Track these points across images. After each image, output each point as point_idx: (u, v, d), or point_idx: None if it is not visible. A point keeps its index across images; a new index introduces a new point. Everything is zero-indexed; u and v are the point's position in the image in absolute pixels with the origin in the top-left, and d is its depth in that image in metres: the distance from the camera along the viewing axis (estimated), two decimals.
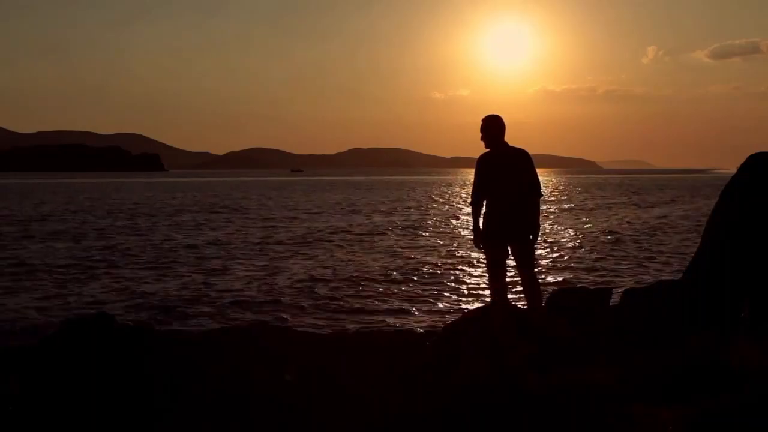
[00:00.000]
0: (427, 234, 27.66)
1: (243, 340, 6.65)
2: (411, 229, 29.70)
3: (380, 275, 16.64)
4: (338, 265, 18.41)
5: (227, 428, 4.76)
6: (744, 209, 7.02)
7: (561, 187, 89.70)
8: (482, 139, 6.55)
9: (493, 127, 6.49)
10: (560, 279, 16.30)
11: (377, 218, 36.51)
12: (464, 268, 18.01)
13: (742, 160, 7.42)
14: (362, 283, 15.53)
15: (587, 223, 32.75)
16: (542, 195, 6.56)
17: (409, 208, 46.77)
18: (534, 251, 6.64)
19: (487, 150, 6.57)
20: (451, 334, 7.27)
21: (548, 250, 21.87)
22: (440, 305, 12.98)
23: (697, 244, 7.81)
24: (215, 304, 13.17)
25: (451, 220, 35.42)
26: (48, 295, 14.27)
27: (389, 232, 28.28)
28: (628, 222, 33.21)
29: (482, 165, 6.56)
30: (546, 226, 29.90)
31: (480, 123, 6.60)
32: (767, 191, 6.96)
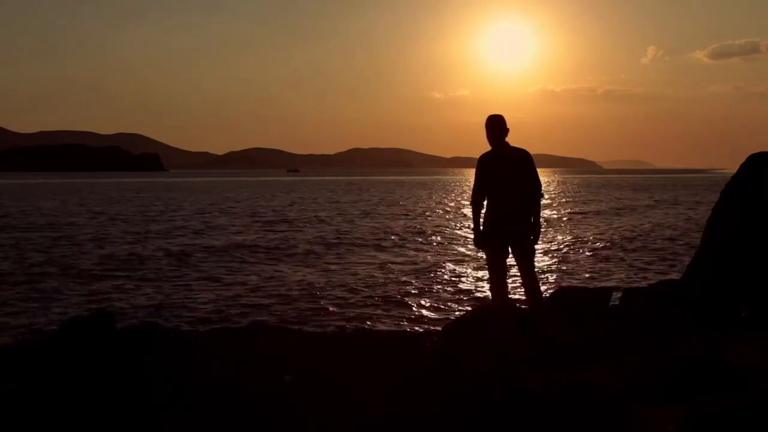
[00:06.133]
0: (426, 234, 27.66)
1: (243, 340, 6.65)
2: (410, 229, 29.72)
3: (379, 275, 16.64)
4: (337, 265, 18.42)
5: (227, 428, 4.76)
6: (744, 209, 7.03)
7: (561, 187, 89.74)
8: (487, 138, 6.58)
9: (494, 126, 6.50)
10: (560, 279, 16.30)
11: (375, 217, 36.54)
12: (464, 268, 18.01)
13: (742, 160, 7.43)
14: (361, 283, 15.53)
15: (587, 223, 32.76)
16: (543, 195, 6.57)
17: (407, 207, 46.80)
18: (534, 251, 6.64)
19: (488, 150, 6.58)
20: (451, 334, 7.28)
21: (548, 249, 21.88)
22: (440, 305, 12.98)
23: (698, 244, 7.82)
24: (215, 305, 13.17)
25: (451, 220, 35.44)
26: (47, 296, 14.28)
27: (387, 232, 28.29)
28: (628, 221, 33.23)
29: (482, 165, 6.56)
30: (546, 226, 29.91)
31: (483, 122, 6.61)
32: (767, 191, 6.97)
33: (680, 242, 23.77)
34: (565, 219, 35.82)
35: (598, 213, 40.30)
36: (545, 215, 36.63)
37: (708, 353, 5.63)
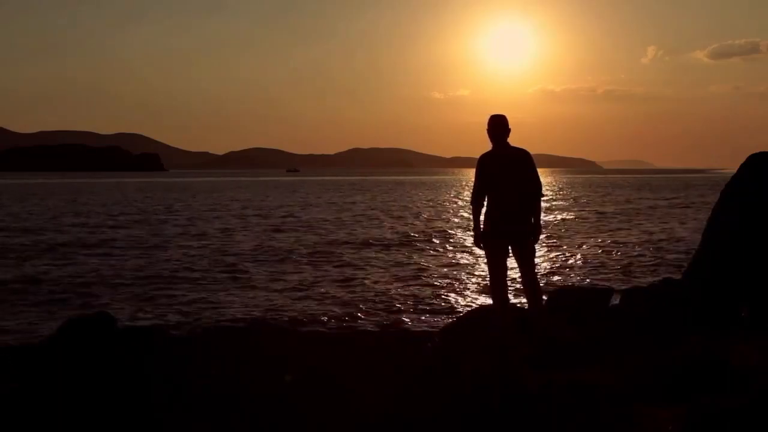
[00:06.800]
0: (427, 233, 27.66)
1: (243, 340, 6.65)
2: (410, 228, 29.71)
3: (380, 275, 16.65)
4: (337, 265, 18.42)
5: (227, 428, 4.76)
6: (744, 209, 7.03)
7: (566, 188, 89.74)
8: (489, 137, 6.60)
9: (497, 126, 6.50)
10: (561, 279, 16.30)
11: (379, 217, 36.55)
12: (464, 268, 18.01)
13: (742, 160, 7.43)
14: (362, 283, 15.53)
15: (587, 223, 32.75)
16: (543, 195, 6.57)
17: (408, 207, 46.80)
18: (534, 251, 6.64)
19: (488, 150, 6.59)
20: (451, 334, 7.28)
21: (549, 249, 21.88)
22: (440, 305, 12.98)
23: (698, 244, 7.82)
24: (216, 305, 13.17)
25: (451, 220, 35.43)
26: (47, 295, 14.27)
27: (387, 231, 28.29)
28: (627, 221, 33.22)
29: (482, 165, 6.56)
30: (547, 226, 29.90)
31: (483, 122, 6.62)
32: (767, 191, 6.97)
33: (681, 241, 23.76)
34: (565, 219, 35.82)
35: (597, 211, 40.30)
36: (555, 217, 36.62)
37: (708, 353, 5.63)
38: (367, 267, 18.10)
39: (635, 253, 20.74)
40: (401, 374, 5.58)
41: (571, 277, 16.63)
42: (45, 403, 5.16)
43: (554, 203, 50.53)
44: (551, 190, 74.71)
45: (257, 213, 40.68)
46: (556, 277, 16.51)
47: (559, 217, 37.39)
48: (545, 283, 15.00)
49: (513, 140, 6.56)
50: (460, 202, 53.96)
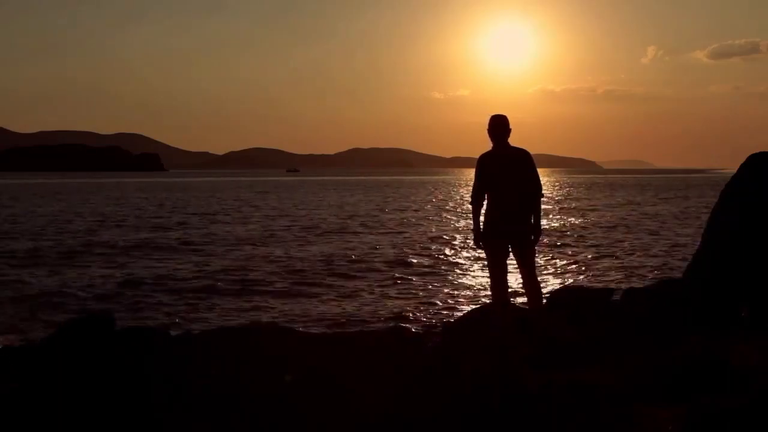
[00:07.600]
0: (426, 233, 27.65)
1: (243, 340, 6.64)
2: (409, 228, 29.70)
3: (380, 275, 16.64)
4: (338, 265, 18.41)
5: (227, 428, 4.76)
6: (744, 209, 7.02)
7: (561, 188, 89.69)
8: (489, 137, 6.60)
9: (497, 126, 6.50)
10: (561, 279, 16.30)
11: (383, 218, 36.55)
12: (464, 267, 18.01)
13: (742, 160, 7.42)
14: (362, 283, 15.53)
15: (587, 223, 32.74)
16: (543, 195, 6.56)
17: (408, 208, 46.79)
18: (534, 251, 6.64)
19: (488, 150, 6.58)
20: (451, 334, 7.28)
21: (549, 249, 21.87)
22: (440, 305, 12.97)
23: (698, 244, 7.81)
24: (215, 304, 13.17)
25: (451, 220, 35.42)
26: (48, 296, 14.27)
27: (387, 231, 28.28)
28: (628, 221, 33.20)
29: (482, 165, 6.56)
30: (546, 226, 29.89)
31: (483, 122, 6.61)
32: (767, 191, 6.97)
33: (681, 242, 23.74)
34: (565, 219, 35.80)
35: (597, 212, 40.29)
36: (556, 218, 36.61)
37: (708, 353, 5.63)
38: (368, 267, 18.09)
39: (635, 254, 20.73)
40: (401, 374, 5.57)
41: (571, 277, 16.63)
42: (45, 403, 5.16)
43: (554, 204, 50.51)
44: (553, 191, 74.66)
45: (258, 214, 40.68)
46: (556, 277, 16.51)
47: (559, 217, 37.38)
48: (545, 283, 15.01)
49: (513, 140, 6.56)
50: (460, 203, 53.95)
